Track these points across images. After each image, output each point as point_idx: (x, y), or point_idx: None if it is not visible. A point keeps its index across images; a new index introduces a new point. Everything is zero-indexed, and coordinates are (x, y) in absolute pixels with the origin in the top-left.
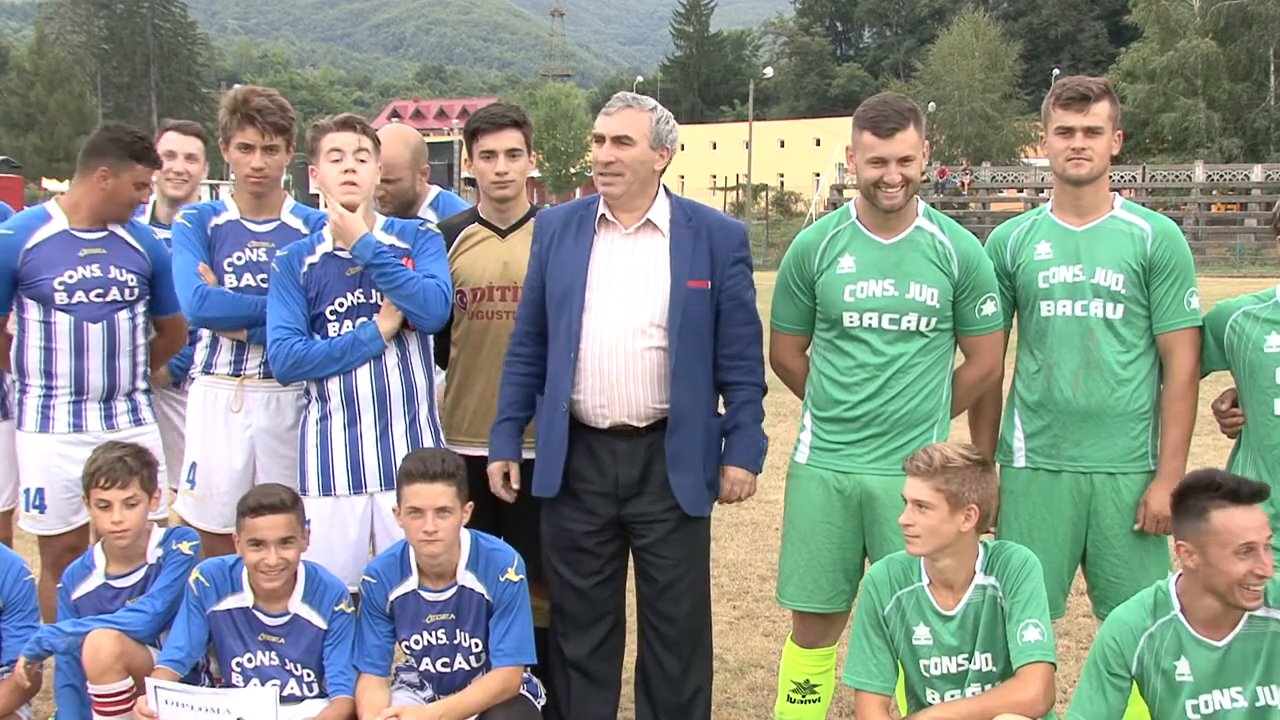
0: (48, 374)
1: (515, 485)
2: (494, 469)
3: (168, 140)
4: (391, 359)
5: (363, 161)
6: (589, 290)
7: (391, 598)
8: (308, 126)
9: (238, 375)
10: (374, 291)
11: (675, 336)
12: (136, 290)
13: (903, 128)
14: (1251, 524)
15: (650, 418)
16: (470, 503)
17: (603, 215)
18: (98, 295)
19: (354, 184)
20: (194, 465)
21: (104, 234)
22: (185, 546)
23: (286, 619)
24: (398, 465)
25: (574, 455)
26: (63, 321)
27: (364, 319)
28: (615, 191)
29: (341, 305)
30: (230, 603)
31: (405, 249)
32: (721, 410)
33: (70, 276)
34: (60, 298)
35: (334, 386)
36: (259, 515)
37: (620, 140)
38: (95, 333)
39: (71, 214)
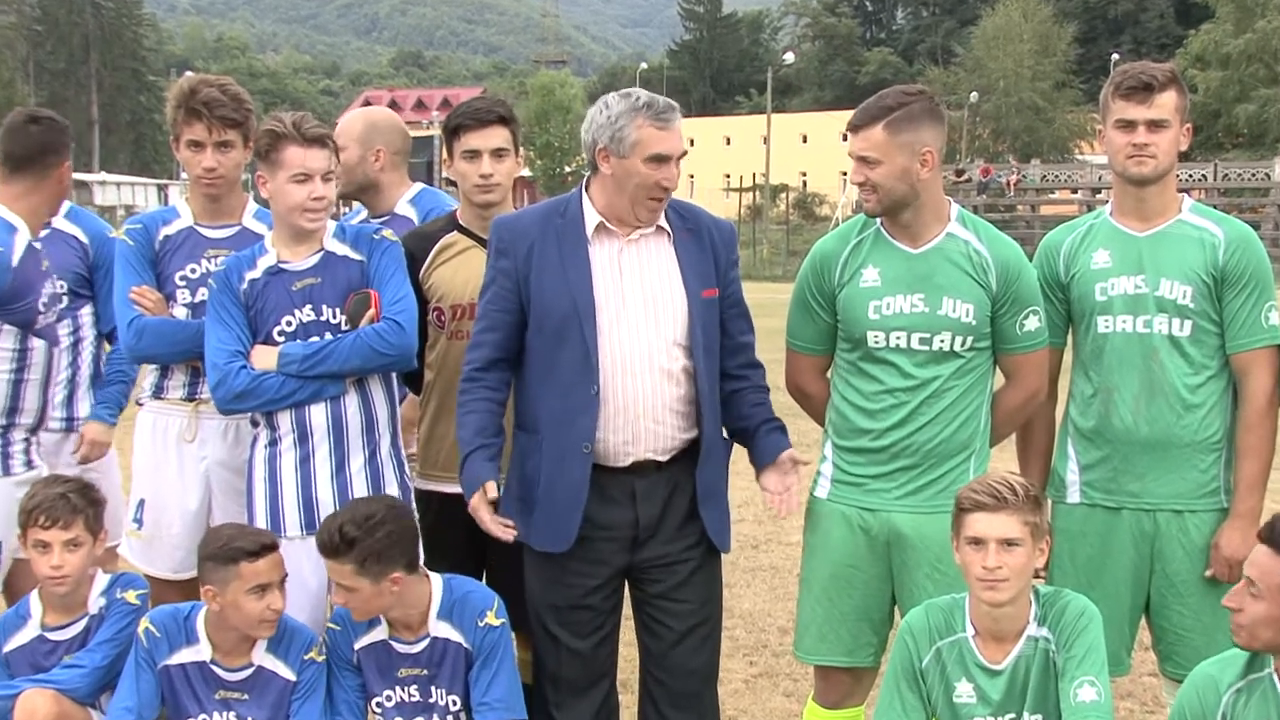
0: (13, 409)
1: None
2: (475, 503)
3: None
4: (349, 385)
5: (328, 181)
6: (600, 313)
7: (358, 647)
8: (264, 121)
9: (192, 400)
10: (325, 307)
11: (701, 356)
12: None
13: (868, 125)
14: None
15: (673, 450)
16: (398, 573)
17: (601, 223)
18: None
19: (320, 210)
20: (142, 503)
21: (48, 231)
22: (132, 595)
23: (249, 672)
24: None
25: (588, 502)
26: (38, 348)
27: (316, 338)
28: (657, 218)
29: (289, 324)
30: (184, 656)
31: (359, 260)
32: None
33: (46, 293)
34: (41, 320)
35: (284, 415)
36: (260, 557)
37: (681, 158)
38: (59, 357)
39: (31, 221)
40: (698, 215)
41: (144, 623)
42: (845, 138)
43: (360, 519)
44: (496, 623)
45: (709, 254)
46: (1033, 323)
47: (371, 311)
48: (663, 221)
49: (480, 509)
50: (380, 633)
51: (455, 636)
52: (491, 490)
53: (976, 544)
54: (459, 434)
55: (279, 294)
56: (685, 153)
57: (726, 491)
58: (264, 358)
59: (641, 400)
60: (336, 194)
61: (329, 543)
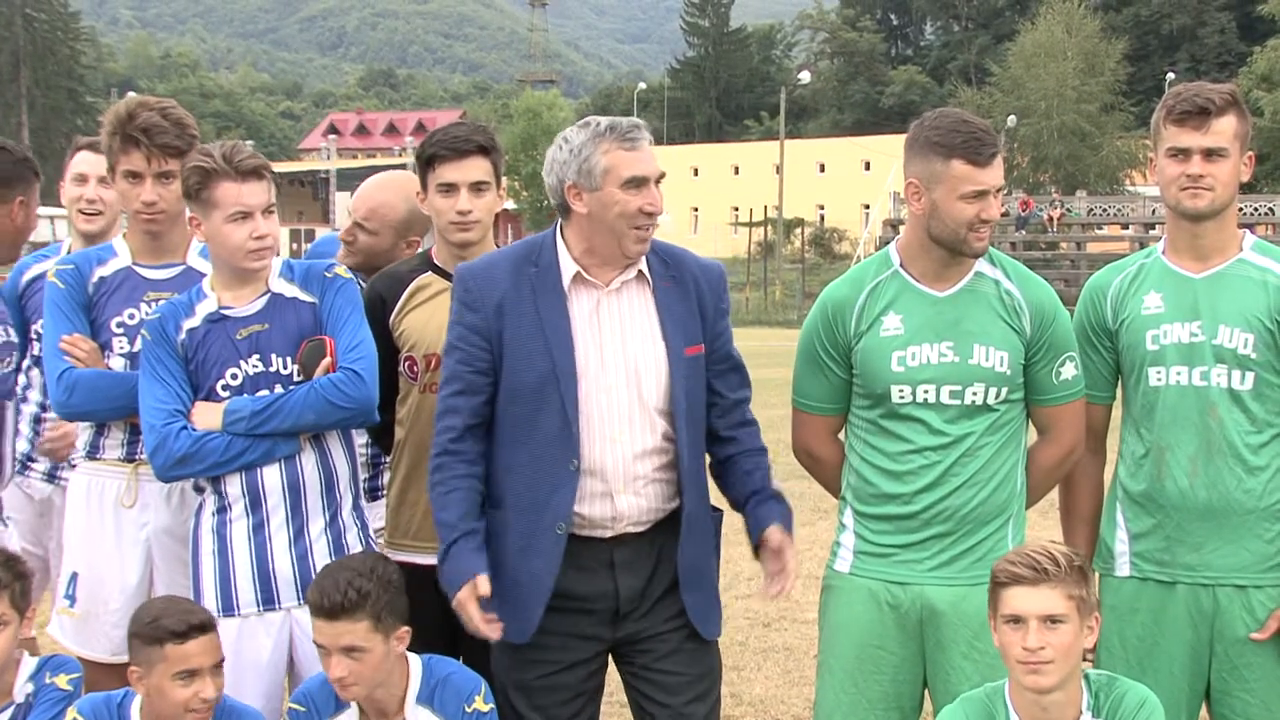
0: None
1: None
2: (464, 597)
3: (81, 161)
4: (305, 442)
5: (270, 216)
6: (582, 379)
7: None
8: (190, 156)
9: (131, 461)
10: (274, 356)
11: (684, 424)
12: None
13: (998, 152)
14: None
15: (654, 520)
16: (405, 628)
17: (578, 273)
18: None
19: (264, 250)
20: (75, 576)
21: None
22: (63, 680)
23: None
24: (316, 570)
25: (560, 572)
26: None
27: (265, 391)
28: (647, 248)
29: (235, 377)
30: None
31: (310, 302)
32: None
33: None
34: None
35: (233, 479)
36: (189, 639)
37: (659, 180)
38: (12, 409)
39: None
40: (681, 261)
41: (70, 713)
42: (867, 166)
43: (366, 570)
44: (486, 708)
45: (694, 305)
46: (1069, 370)
47: (327, 360)
48: (643, 267)
49: (469, 605)
50: (350, 716)
51: None
52: (484, 586)
53: (1015, 622)
54: (438, 515)
55: (221, 344)
56: (664, 174)
57: (714, 571)
58: (207, 416)
59: (622, 474)
60: (347, 266)
61: (341, 601)
